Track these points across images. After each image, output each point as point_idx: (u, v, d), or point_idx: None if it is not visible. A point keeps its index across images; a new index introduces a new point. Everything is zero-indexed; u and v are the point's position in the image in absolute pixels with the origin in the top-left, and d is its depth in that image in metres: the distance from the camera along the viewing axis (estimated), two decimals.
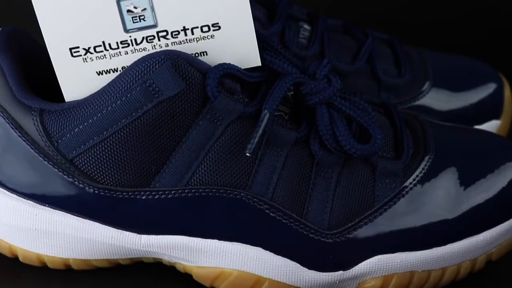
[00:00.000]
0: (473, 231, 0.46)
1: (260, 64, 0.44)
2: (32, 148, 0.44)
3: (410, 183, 0.46)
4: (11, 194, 0.45)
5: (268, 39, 0.45)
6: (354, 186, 0.45)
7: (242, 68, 0.44)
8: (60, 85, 0.44)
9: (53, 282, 0.47)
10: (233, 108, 0.43)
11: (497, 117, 0.56)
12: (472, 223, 0.46)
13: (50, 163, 0.44)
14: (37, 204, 0.45)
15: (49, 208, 0.45)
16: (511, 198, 0.47)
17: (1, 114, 0.44)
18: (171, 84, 0.42)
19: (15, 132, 0.44)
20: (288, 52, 0.46)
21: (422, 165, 0.46)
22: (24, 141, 0.44)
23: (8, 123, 0.44)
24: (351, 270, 0.45)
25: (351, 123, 0.46)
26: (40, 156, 0.44)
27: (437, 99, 0.55)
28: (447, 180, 0.46)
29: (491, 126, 0.56)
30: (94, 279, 0.47)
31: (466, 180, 0.47)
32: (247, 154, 0.43)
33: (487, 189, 0.47)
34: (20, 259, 0.47)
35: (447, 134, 0.49)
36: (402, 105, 0.55)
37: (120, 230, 0.45)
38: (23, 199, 0.45)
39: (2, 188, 0.45)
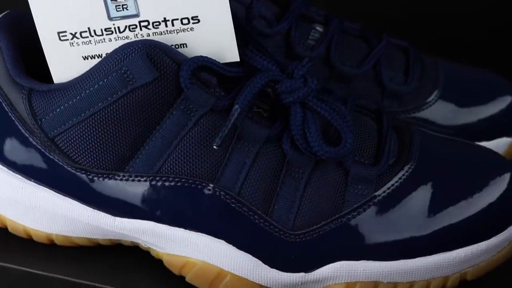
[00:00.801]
0: (445, 247, 0.45)
1: (238, 60, 0.45)
2: (20, 124, 0.46)
3: (384, 192, 0.45)
4: (2, 167, 0.48)
5: (254, 36, 0.46)
6: (324, 189, 0.45)
7: (221, 62, 0.45)
8: (49, 67, 0.46)
9: (39, 255, 0.49)
10: (206, 100, 0.44)
11: (508, 134, 0.54)
12: (446, 239, 0.45)
13: (35, 140, 0.46)
14: (24, 179, 0.47)
15: (34, 183, 0.47)
16: (492, 219, 0.45)
17: None
18: (144, 72, 0.43)
19: (7, 108, 0.46)
20: (277, 51, 0.46)
21: (400, 175, 0.45)
22: (14, 117, 0.46)
23: (1, 99, 0.47)
24: (312, 273, 0.45)
25: (331, 125, 0.46)
26: (26, 133, 0.46)
27: (443, 111, 0.54)
28: (425, 192, 0.45)
29: (501, 143, 0.54)
30: (78, 255, 0.49)
31: (446, 195, 0.45)
32: (214, 147, 0.44)
33: (467, 206, 0.45)
34: (9, 229, 0.49)
35: (437, 146, 0.48)
36: (405, 114, 0.54)
37: (96, 210, 0.47)
38: (12, 173, 0.48)
39: None
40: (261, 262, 0.45)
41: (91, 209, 0.47)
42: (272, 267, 0.45)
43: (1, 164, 0.48)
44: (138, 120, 0.44)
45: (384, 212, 0.45)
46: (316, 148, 0.44)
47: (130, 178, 0.45)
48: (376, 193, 0.45)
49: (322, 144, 0.44)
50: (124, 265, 0.49)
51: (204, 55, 0.44)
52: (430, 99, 0.54)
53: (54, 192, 0.47)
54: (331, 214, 0.45)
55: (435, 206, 0.45)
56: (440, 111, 0.54)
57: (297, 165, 0.45)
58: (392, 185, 0.45)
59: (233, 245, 0.45)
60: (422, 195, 0.45)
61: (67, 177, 0.46)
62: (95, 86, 0.44)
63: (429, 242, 0.45)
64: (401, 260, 0.44)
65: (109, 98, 0.44)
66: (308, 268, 0.45)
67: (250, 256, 0.45)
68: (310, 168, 0.45)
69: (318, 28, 0.55)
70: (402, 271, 0.44)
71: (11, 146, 0.47)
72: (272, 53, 0.46)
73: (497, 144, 0.54)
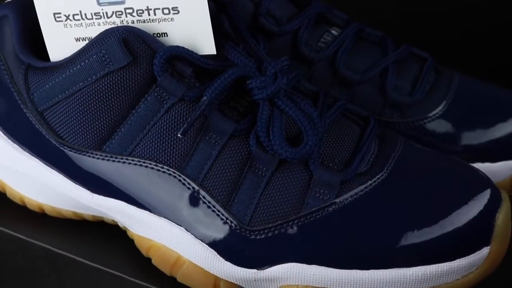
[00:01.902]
0: (403, 263, 0.43)
1: (214, 53, 0.45)
2: (17, 97, 0.49)
3: (346, 199, 0.44)
4: (3, 135, 0.51)
5: (242, 31, 0.47)
6: (286, 189, 0.45)
7: (199, 54, 0.45)
8: (46, 46, 0.48)
9: (31, 222, 0.52)
10: (176, 89, 0.45)
11: None
12: (405, 255, 0.43)
13: (28, 113, 0.49)
14: (19, 148, 0.50)
15: (27, 153, 0.50)
16: (459, 241, 0.44)
17: (1, 62, 0.50)
18: (119, 57, 0.45)
19: (8, 80, 0.50)
20: (282, 51, 0.47)
21: (366, 184, 0.45)
22: (13, 89, 0.49)
23: (4, 71, 0.50)
24: (264, 271, 0.45)
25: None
26: (22, 105, 0.49)
27: (445, 127, 0.52)
28: (389, 206, 0.44)
29: (507, 166, 0.51)
30: (66, 227, 0.52)
31: (412, 211, 0.44)
32: (179, 135, 0.45)
33: (432, 225, 0.43)
34: (7, 195, 0.53)
35: (417, 160, 0.46)
36: (406, 126, 0.52)
37: (77, 185, 0.49)
38: (10, 141, 0.51)
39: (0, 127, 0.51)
40: (216, 254, 0.45)
41: (73, 183, 0.49)
42: (226, 260, 0.45)
43: (2, 132, 0.51)
44: (115, 102, 0.46)
45: (342, 220, 0.44)
46: (276, 146, 0.44)
47: (106, 158, 0.47)
48: (337, 200, 0.44)
49: (282, 143, 0.44)
50: (106, 241, 0.51)
51: (182, 45, 0.45)
52: (433, 113, 0.52)
53: (43, 164, 0.50)
54: (289, 215, 0.44)
55: (398, 221, 0.44)
56: (443, 127, 0.52)
57: (260, 162, 0.45)
58: (356, 193, 0.44)
59: (191, 233, 0.46)
60: (386, 208, 0.44)
61: (53, 151, 0.49)
62: (78, 66, 0.46)
63: (386, 255, 0.43)
64: (354, 270, 0.44)
65: (89, 79, 0.46)
66: (260, 265, 0.45)
67: (207, 246, 0.46)
68: (274, 166, 0.45)
69: (333, 32, 0.54)
70: (354, 281, 0.44)
71: (10, 116, 0.50)
72: (256, 50, 0.46)
73: (503, 168, 0.51)
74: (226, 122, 0.45)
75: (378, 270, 0.43)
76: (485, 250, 0.43)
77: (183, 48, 0.45)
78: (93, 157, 0.48)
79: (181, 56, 0.45)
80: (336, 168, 0.45)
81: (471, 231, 0.44)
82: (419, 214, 0.44)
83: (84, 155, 0.48)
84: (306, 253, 0.44)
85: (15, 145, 0.50)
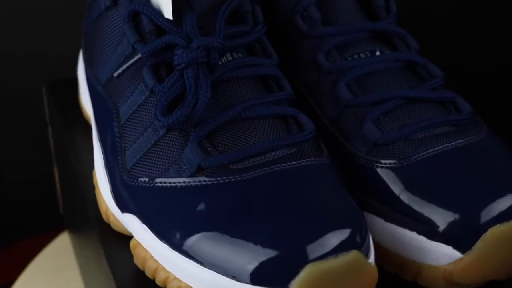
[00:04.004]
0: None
1: (170, 18, 0.48)
2: None
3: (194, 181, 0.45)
4: None
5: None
6: (166, 152, 0.47)
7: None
8: None
9: None
10: (130, 37, 0.49)
11: (457, 247, 0.45)
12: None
13: None
14: None
15: None
16: None
17: None
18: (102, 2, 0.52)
19: None
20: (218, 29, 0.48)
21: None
22: None
23: None
24: (124, 214, 0.48)
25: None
26: None
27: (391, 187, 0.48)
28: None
29: (444, 251, 0.46)
30: None
31: None
32: (114, 75, 0.50)
33: None
34: None
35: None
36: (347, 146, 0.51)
37: None
38: None
39: None
40: (109, 187, 0.49)
41: None
42: (113, 196, 0.49)
43: None
44: (105, 38, 0.51)
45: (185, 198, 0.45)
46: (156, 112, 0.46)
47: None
48: (189, 179, 0.45)
49: (159, 109, 0.46)
50: None
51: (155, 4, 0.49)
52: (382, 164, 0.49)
53: None
54: (154, 176, 0.46)
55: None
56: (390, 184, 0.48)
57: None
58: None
59: (104, 162, 0.50)
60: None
61: None
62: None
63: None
64: (166, 246, 0.44)
65: (95, 17, 0.53)
66: (123, 210, 0.47)
67: (108, 179, 0.49)
68: (165, 128, 0.47)
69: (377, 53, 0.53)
70: (167, 258, 0.44)
71: None
72: (217, 29, 0.48)
73: (440, 250, 0.46)
74: (150, 79, 0.48)
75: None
76: None
77: (148, 5, 0.48)
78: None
79: (142, 12, 0.48)
80: (212, 151, 0.46)
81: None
82: None
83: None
84: (145, 213, 0.46)
85: None
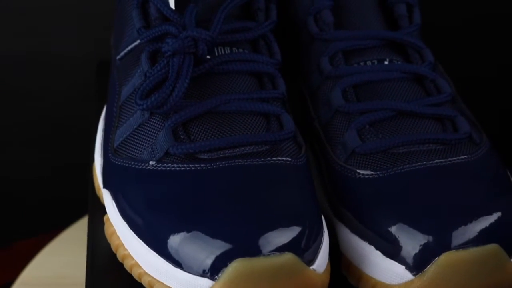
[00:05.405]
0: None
1: (172, 7, 0.49)
2: None
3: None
4: None
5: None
6: (147, 135, 0.48)
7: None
8: None
9: None
10: (136, 22, 0.51)
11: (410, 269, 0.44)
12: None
13: None
14: None
15: None
16: None
17: None
18: None
19: None
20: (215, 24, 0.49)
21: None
22: None
23: None
24: (104, 190, 0.50)
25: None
26: None
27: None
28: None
29: (393, 269, 0.45)
30: None
31: None
32: (117, 58, 0.52)
33: None
34: None
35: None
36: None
37: None
38: None
39: None
40: (101, 163, 0.51)
41: None
42: (103, 170, 0.50)
43: None
44: (122, 22, 0.53)
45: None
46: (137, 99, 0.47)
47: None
48: (160, 165, 0.46)
49: (139, 94, 0.47)
50: None
51: None
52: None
53: None
54: (135, 159, 0.47)
55: None
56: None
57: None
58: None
59: (101, 141, 0.53)
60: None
61: None
62: None
63: None
64: (125, 223, 0.46)
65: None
66: (104, 185, 0.49)
67: (101, 157, 0.51)
68: (149, 112, 0.48)
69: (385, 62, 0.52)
70: (126, 235, 0.46)
71: None
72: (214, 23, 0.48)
73: (392, 269, 0.45)
74: (146, 64, 0.49)
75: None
76: None
77: None
78: None
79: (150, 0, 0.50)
80: (184, 139, 0.46)
81: None
82: None
83: None
84: (117, 193, 0.47)
85: None
